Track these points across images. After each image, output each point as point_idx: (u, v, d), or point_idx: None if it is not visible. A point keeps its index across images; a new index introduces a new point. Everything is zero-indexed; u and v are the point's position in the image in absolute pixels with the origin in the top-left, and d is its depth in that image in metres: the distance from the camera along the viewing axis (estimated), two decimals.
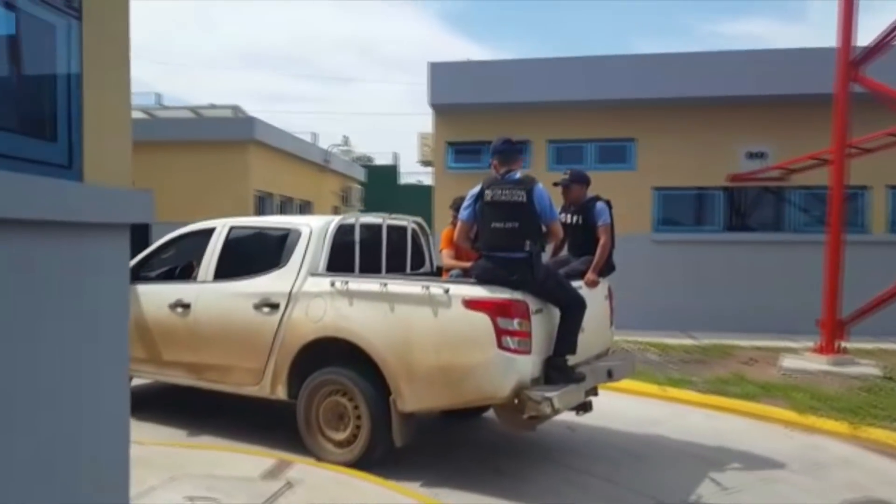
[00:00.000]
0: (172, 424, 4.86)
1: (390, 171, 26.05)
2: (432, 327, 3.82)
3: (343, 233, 4.54)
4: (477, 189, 4.05)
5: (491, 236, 3.90)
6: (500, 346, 3.65)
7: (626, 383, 5.60)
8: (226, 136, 11.74)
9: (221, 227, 4.82)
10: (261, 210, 12.50)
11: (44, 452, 1.67)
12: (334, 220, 4.50)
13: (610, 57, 10.15)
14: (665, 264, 9.79)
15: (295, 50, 79.40)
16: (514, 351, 3.66)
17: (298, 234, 4.44)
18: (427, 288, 3.87)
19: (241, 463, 3.95)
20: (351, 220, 4.59)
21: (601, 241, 4.64)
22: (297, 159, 13.75)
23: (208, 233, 4.83)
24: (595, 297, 4.56)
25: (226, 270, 4.63)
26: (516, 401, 3.67)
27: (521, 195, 3.86)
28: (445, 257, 4.45)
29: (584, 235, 4.72)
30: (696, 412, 5.63)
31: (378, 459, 4.04)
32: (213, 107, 13.06)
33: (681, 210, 10.46)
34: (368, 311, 4.00)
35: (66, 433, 1.75)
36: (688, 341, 8.46)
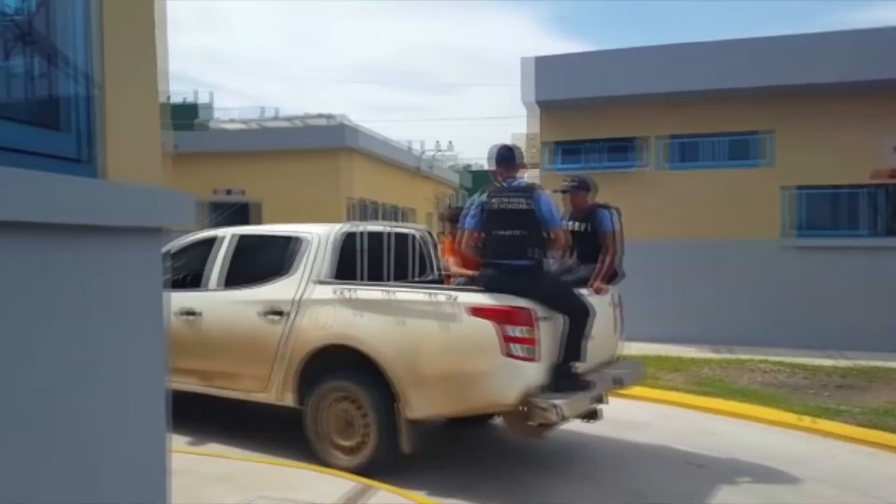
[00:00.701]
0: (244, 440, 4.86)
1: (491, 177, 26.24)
2: (438, 334, 3.90)
3: (348, 240, 4.65)
4: (482, 197, 4.14)
5: (496, 244, 3.99)
6: (507, 353, 3.72)
7: (760, 411, 5.58)
8: (323, 145, 11.86)
9: (229, 235, 4.94)
10: (361, 217, 12.38)
11: (76, 457, 1.59)
12: (339, 228, 4.60)
13: (732, 41, 9.14)
14: (798, 273, 8.73)
15: (401, 62, 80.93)
16: (521, 358, 3.74)
17: (304, 242, 4.54)
18: (433, 295, 3.96)
19: (319, 485, 3.86)
20: (356, 228, 4.70)
21: (606, 250, 4.73)
22: (394, 166, 13.87)
23: (216, 241, 4.95)
24: (602, 305, 4.62)
25: (234, 278, 4.75)
26: (524, 408, 3.75)
27: (525, 203, 3.95)
28: (451, 265, 4.55)
29: (591, 243, 4.80)
30: (850, 449, 4.85)
31: (385, 466, 4.11)
32: (315, 116, 13.43)
33: (817, 212, 9.28)
34: (375, 319, 4.09)
35: (94, 445, 1.64)
36: (825, 361, 7.46)
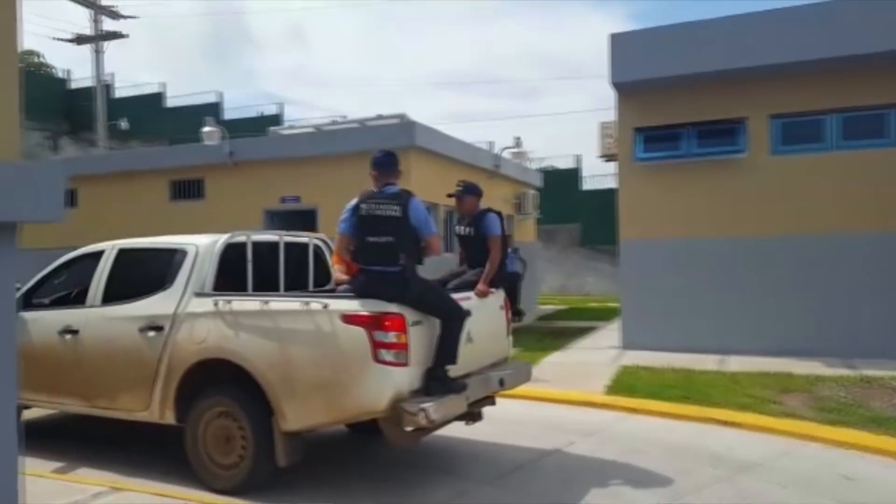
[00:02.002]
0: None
1: (570, 176, 25.71)
2: (312, 343, 4.00)
3: (234, 251, 4.73)
4: (354, 202, 4.29)
5: (366, 250, 4.12)
6: (377, 358, 3.84)
7: (868, 439, 5.04)
8: (387, 145, 10.96)
9: (110, 248, 4.98)
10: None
11: None
12: (222, 239, 4.67)
13: (855, 1, 8.15)
14: None
15: (480, 68, 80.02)
16: (391, 363, 3.86)
17: (185, 253, 4.61)
18: (307, 304, 4.07)
19: None
20: (242, 239, 4.79)
21: (491, 254, 4.95)
22: (465, 166, 12.79)
23: (98, 255, 4.98)
24: (488, 308, 4.84)
25: (114, 294, 4.78)
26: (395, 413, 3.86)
27: (396, 209, 4.10)
28: (336, 272, 4.73)
29: (478, 247, 5.03)
30: None
31: (263, 482, 4.20)
32: (379, 117, 12.35)
33: None
34: (250, 330, 4.17)
35: None
36: None
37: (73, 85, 33.37)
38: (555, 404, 6.61)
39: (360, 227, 4.17)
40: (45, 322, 4.94)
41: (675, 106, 9.13)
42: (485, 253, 4.99)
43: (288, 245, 5.19)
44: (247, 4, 76.73)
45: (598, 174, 27.05)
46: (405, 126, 11.33)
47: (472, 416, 4.58)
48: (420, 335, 4.07)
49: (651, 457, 4.94)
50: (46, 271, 5.31)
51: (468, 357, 4.47)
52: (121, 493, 4.21)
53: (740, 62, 8.44)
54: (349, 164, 11.03)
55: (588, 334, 11.63)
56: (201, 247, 4.64)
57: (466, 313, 4.26)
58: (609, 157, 13.58)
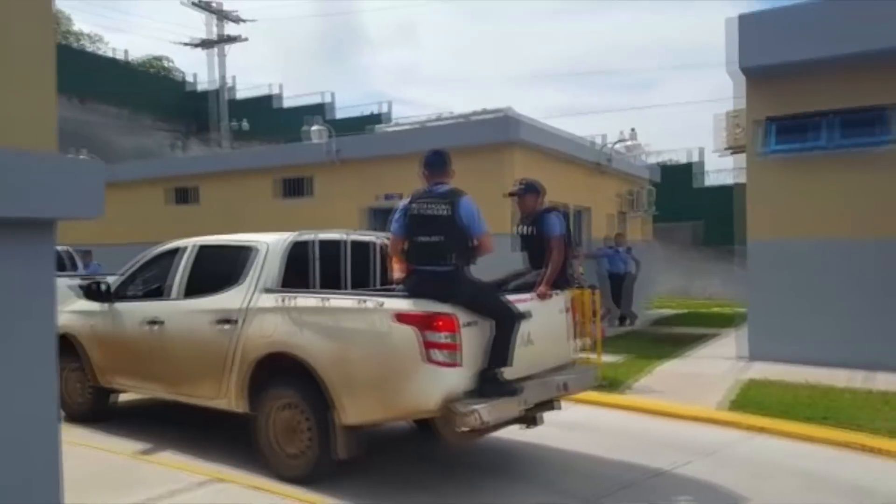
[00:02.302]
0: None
1: (684, 172, 25.10)
2: (367, 341, 4.10)
3: (300, 249, 4.91)
4: (405, 202, 4.32)
5: (417, 250, 4.15)
6: (428, 359, 3.87)
7: None
8: (486, 140, 10.76)
9: (191, 245, 5.34)
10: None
11: None
12: (289, 238, 4.88)
13: None
14: None
15: (591, 61, 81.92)
16: (442, 364, 3.88)
17: (255, 251, 4.85)
18: (363, 302, 4.17)
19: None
20: (308, 237, 4.97)
21: (552, 255, 4.84)
22: (571, 161, 12.46)
23: (180, 251, 5.36)
24: (549, 310, 4.75)
25: (193, 287, 5.13)
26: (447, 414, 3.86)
27: (445, 208, 4.09)
28: (396, 272, 4.77)
29: (539, 247, 4.93)
30: None
31: (326, 473, 4.36)
32: (484, 112, 11.98)
33: None
34: (310, 326, 4.33)
35: None
36: None
37: (199, 87, 35.85)
38: (666, 418, 6.17)
39: (410, 226, 4.20)
40: (135, 313, 5.38)
41: (811, 92, 8.32)
42: (545, 254, 4.90)
43: (353, 244, 5.29)
44: (361, 4, 79.49)
45: (722, 168, 25.42)
46: (508, 121, 11.00)
47: (530, 419, 4.51)
48: (474, 336, 4.05)
49: (781, 484, 4.49)
50: (136, 265, 5.79)
51: (527, 360, 4.40)
52: (223, 483, 4.39)
53: (889, 41, 7.61)
54: (454, 159, 10.66)
55: (708, 342, 10.88)
56: (270, 245, 4.85)
57: (521, 315, 4.19)
58: (734, 150, 12.34)
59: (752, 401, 6.40)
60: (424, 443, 5.27)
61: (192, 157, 25.77)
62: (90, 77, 29.05)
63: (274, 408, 4.53)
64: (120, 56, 33.72)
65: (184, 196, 14.79)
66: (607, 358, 7.93)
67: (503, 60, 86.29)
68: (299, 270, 4.89)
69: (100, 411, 5.93)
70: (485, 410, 3.80)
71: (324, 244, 5.09)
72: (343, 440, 4.23)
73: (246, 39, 24.38)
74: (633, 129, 13.59)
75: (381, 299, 4.15)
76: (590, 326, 7.54)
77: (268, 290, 4.68)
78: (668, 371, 8.17)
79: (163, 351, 5.13)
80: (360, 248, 5.43)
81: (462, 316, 3.98)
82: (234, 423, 4.94)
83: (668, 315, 15.72)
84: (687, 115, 59.48)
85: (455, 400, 3.88)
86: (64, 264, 9.99)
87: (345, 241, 5.24)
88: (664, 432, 5.71)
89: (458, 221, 4.08)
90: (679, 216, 23.15)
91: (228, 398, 4.76)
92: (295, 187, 13.08)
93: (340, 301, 4.30)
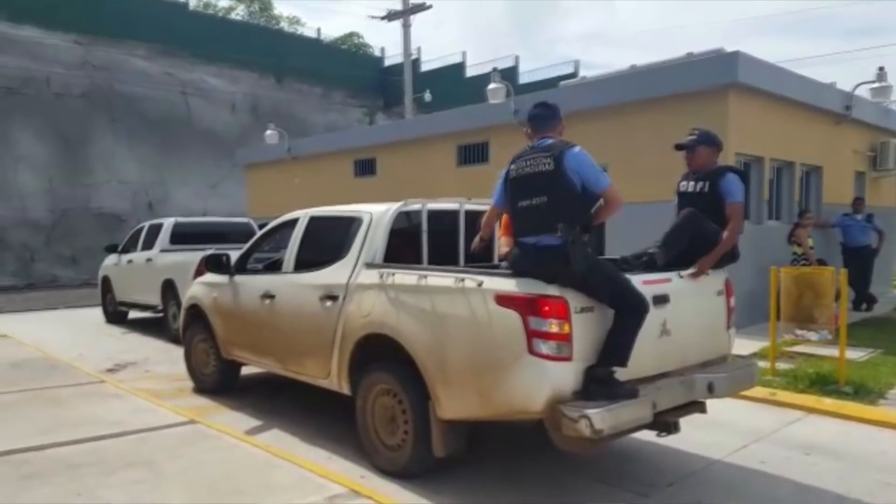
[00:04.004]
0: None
1: None
2: (466, 326, 3.74)
3: (409, 220, 4.70)
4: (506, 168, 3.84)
5: (518, 218, 3.69)
6: (532, 350, 3.43)
7: None
8: (699, 85, 9.41)
9: (303, 216, 5.32)
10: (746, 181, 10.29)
11: None
12: (394, 207, 4.65)
13: None
14: None
15: (809, 9, 77.99)
16: (549, 357, 3.42)
17: (360, 222, 4.69)
18: (461, 280, 3.81)
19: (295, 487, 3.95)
20: (417, 207, 4.72)
21: (731, 223, 4.14)
22: (803, 108, 10.87)
23: (294, 223, 5.37)
24: (699, 293, 4.07)
25: (303, 261, 5.11)
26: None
27: (548, 163, 3.55)
28: (503, 245, 4.32)
29: (710, 210, 4.22)
30: None
31: (424, 469, 4.13)
32: (689, 56, 10.61)
33: None
34: (407, 306, 4.08)
35: None
36: None
37: (387, 62, 37.76)
38: None
39: (511, 191, 3.74)
40: (252, 286, 5.51)
41: None
42: (716, 219, 4.19)
43: (469, 213, 4.92)
44: None
45: None
46: (724, 59, 9.50)
47: (664, 425, 3.89)
48: (590, 324, 3.54)
49: None
50: (255, 238, 5.98)
51: (663, 353, 3.84)
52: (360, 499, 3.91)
53: None
54: (654, 111, 9.53)
55: None
56: (374, 215, 4.65)
57: (647, 306, 3.57)
58: None
59: None
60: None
61: (369, 127, 27.14)
62: (286, 56, 31.83)
63: (373, 393, 4.37)
64: (312, 35, 36.49)
65: (363, 168, 15.49)
66: (848, 354, 6.59)
67: (707, 13, 78.99)
68: (408, 244, 4.67)
69: (227, 383, 6.24)
70: (598, 416, 3.27)
71: (436, 214, 4.81)
72: (440, 435, 3.95)
73: (430, 7, 24.71)
74: (881, 69, 11.39)
75: (481, 277, 3.74)
76: (831, 312, 6.45)
77: (370, 266, 4.50)
78: None
79: (274, 325, 5.21)
80: (479, 219, 5.05)
81: (575, 300, 3.46)
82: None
83: None
84: None
85: (563, 401, 3.40)
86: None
87: (459, 211, 4.90)
88: None
89: (565, 177, 3.52)
90: None
91: (333, 378, 4.70)
92: (472, 154, 12.98)
93: (437, 279, 3.98)
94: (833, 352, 6.57)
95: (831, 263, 9.43)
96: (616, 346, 3.47)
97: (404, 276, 4.18)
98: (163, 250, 9.94)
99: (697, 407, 4.11)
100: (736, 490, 4.12)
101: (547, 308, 3.43)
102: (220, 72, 28.79)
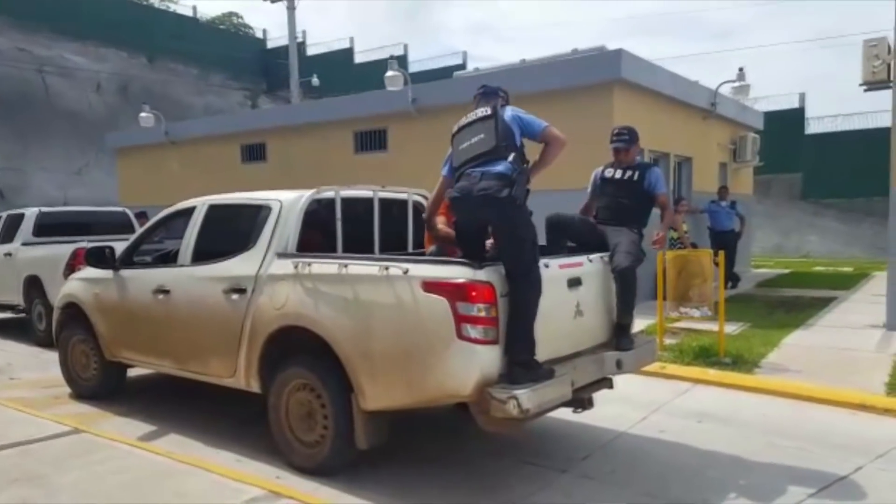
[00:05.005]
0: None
1: (794, 117, 23.77)
2: (392, 314, 3.74)
3: (322, 208, 4.54)
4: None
5: (458, 159, 3.89)
6: (461, 335, 3.48)
7: None
8: (586, 81, 9.91)
9: (201, 205, 5.04)
10: None
11: None
12: (307, 195, 4.51)
13: None
14: None
15: (678, 10, 79.35)
16: (478, 341, 3.48)
17: (269, 210, 4.52)
18: (386, 268, 3.76)
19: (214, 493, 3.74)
20: (330, 195, 4.57)
21: (666, 211, 4.91)
22: (676, 103, 11.62)
23: (190, 212, 5.07)
24: (604, 274, 4.35)
25: (203, 252, 4.85)
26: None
27: (485, 111, 3.91)
28: (440, 223, 4.27)
29: (636, 198, 4.78)
30: None
31: (344, 464, 4.07)
32: (574, 52, 11.22)
33: None
34: (328, 296, 3.99)
35: None
36: None
37: (270, 45, 36.53)
38: (815, 404, 5.50)
39: (453, 144, 4.03)
40: (142, 281, 5.17)
41: None
42: (640, 209, 4.76)
43: (384, 202, 4.89)
44: None
45: (823, 115, 23.30)
46: (609, 56, 10.11)
47: (580, 402, 4.15)
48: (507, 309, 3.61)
49: None
50: (144, 229, 5.53)
51: (578, 333, 4.06)
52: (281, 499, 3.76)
53: None
54: (544, 104, 8.87)
55: (829, 307, 10.12)
56: (285, 203, 4.50)
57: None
58: (871, 86, 10.99)
59: None
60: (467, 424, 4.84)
61: (258, 111, 25.97)
62: (158, 35, 29.65)
63: (287, 389, 4.25)
64: (188, 13, 34.25)
65: (251, 153, 14.86)
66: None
67: (580, 13, 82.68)
68: (321, 233, 4.53)
69: (111, 387, 5.80)
70: (525, 396, 3.40)
71: (349, 202, 4.72)
72: (364, 427, 3.91)
73: None
74: (741, 69, 12.53)
75: (406, 265, 3.74)
76: (710, 291, 6.96)
77: (282, 255, 4.32)
78: (797, 344, 7.55)
79: (169, 323, 4.91)
80: (393, 207, 5.02)
81: (500, 285, 3.55)
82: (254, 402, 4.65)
83: (770, 276, 14.96)
84: (780, 60, 55.10)
85: (491, 384, 3.49)
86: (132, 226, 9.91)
87: (373, 199, 4.78)
88: (820, 425, 5.05)
89: (502, 122, 3.80)
90: (780, 168, 21.87)
91: (240, 377, 4.50)
92: (370, 141, 12.87)
93: (360, 267, 3.93)
94: (711, 327, 7.16)
95: (701, 246, 10.20)
96: (525, 325, 3.55)
97: (323, 266, 4.09)
98: (25, 243, 8.98)
99: (606, 383, 4.38)
100: (644, 458, 4.43)
101: (475, 293, 3.49)
102: (84, 49, 26.52)
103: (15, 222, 9.31)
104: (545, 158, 3.91)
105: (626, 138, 4.85)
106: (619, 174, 4.83)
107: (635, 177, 4.77)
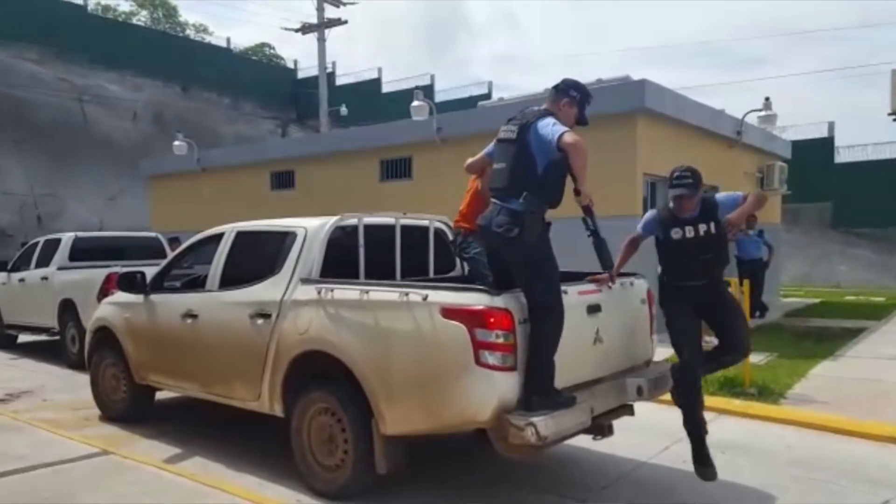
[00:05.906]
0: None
1: (823, 147, 23.67)
2: (411, 340, 3.79)
3: (345, 235, 4.65)
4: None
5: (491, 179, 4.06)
6: (479, 361, 3.52)
7: None
8: (610, 110, 9.57)
9: (229, 231, 5.19)
10: (651, 198, 10.75)
11: None
12: (330, 221, 4.62)
13: None
14: None
15: (706, 41, 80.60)
16: (496, 368, 3.52)
17: (294, 236, 4.64)
18: (406, 294, 3.82)
19: None
20: (353, 222, 4.67)
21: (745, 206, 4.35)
22: (701, 133, 11.71)
23: (219, 238, 5.21)
24: (626, 301, 4.38)
25: (230, 278, 4.98)
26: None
27: (513, 131, 3.92)
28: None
29: (718, 250, 4.35)
30: None
31: (363, 489, 4.10)
32: (599, 82, 11.15)
33: None
34: (349, 321, 4.07)
35: None
36: None
37: (300, 75, 37.29)
38: (839, 437, 5.42)
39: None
40: (171, 306, 5.31)
41: None
42: (726, 254, 4.45)
43: (406, 228, 5.00)
44: None
45: (854, 144, 22.97)
46: (633, 86, 10.23)
47: (599, 429, 4.11)
48: (527, 336, 3.64)
49: None
50: (174, 254, 5.69)
51: (597, 360, 4.07)
52: None
53: None
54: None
55: (859, 338, 9.95)
56: (309, 230, 4.61)
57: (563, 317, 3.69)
58: None
59: None
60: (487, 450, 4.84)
61: (287, 140, 26.48)
62: (193, 65, 30.51)
63: (309, 413, 4.31)
64: (222, 44, 35.26)
65: (280, 181, 15.16)
66: (750, 358, 7.02)
67: (607, 44, 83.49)
68: (344, 259, 4.64)
69: (139, 410, 5.92)
70: (543, 424, 3.42)
71: (372, 229, 4.81)
72: (383, 452, 3.94)
73: (346, 22, 24.46)
74: (767, 98, 12.52)
75: (425, 291, 3.81)
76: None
77: (306, 281, 4.42)
78: (826, 375, 7.44)
79: (196, 347, 5.03)
80: (415, 233, 5.11)
81: (518, 312, 3.59)
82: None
83: (799, 305, 14.76)
84: (809, 90, 54.74)
85: (509, 410, 3.52)
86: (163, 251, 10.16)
87: (395, 226, 4.87)
88: (849, 457, 4.96)
89: (526, 149, 3.76)
90: (810, 197, 21.64)
91: (264, 400, 4.57)
92: (395, 169, 13.07)
93: (381, 293, 4.00)
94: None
95: (728, 275, 10.07)
96: (545, 358, 3.57)
97: (345, 292, 4.16)
98: (61, 268, 9.25)
99: (626, 410, 4.35)
100: (666, 490, 4.38)
101: (493, 319, 3.54)
102: (121, 78, 27.39)
103: (52, 247, 9.61)
104: (575, 171, 3.65)
105: (689, 182, 4.16)
106: (691, 232, 4.21)
107: (712, 229, 4.21)
